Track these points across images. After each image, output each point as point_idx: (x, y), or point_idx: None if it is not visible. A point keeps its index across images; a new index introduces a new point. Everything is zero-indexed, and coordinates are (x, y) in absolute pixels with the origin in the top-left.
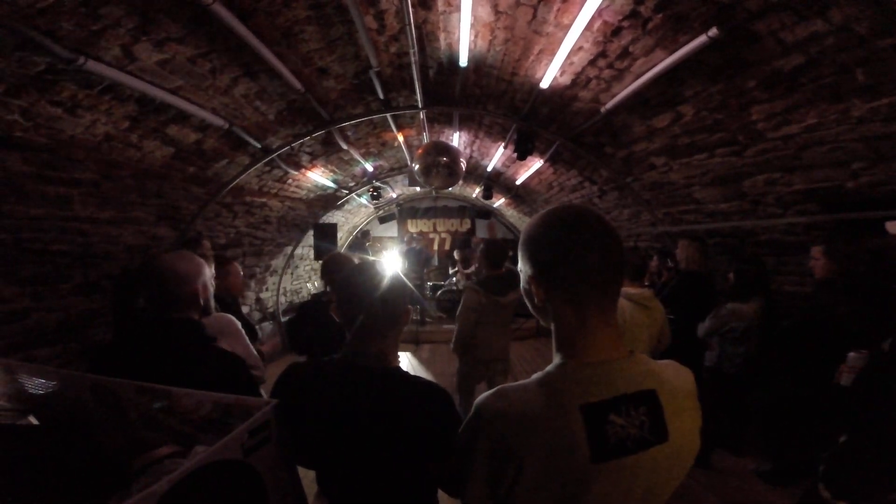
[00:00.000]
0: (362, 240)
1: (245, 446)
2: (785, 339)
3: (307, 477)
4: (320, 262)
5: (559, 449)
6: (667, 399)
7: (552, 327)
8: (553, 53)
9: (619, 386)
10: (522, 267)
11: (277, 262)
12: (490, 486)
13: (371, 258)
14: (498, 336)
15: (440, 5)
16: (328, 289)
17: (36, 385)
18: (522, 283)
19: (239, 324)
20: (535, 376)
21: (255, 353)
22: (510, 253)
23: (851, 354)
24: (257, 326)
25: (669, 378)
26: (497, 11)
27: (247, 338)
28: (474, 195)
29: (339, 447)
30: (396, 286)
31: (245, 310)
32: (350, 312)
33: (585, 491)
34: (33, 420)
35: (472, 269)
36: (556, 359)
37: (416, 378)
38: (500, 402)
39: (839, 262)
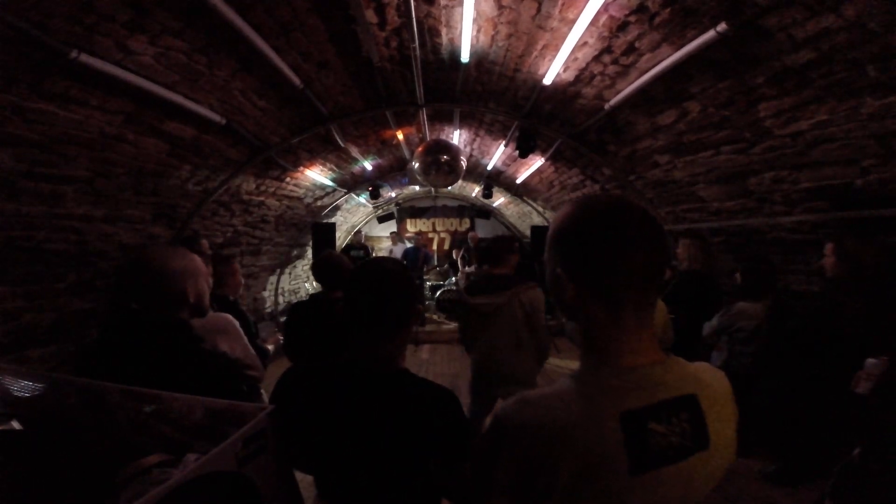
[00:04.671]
0: (356, 238)
1: (239, 456)
2: (793, 338)
3: (304, 481)
4: None
5: (595, 461)
6: (707, 404)
7: (582, 327)
8: (557, 49)
9: (659, 391)
10: (550, 260)
11: (275, 262)
12: (513, 501)
13: (375, 257)
14: (503, 352)
15: None
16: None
17: (20, 388)
18: (549, 278)
19: (237, 323)
20: (562, 382)
21: (254, 353)
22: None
23: (870, 361)
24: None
25: (708, 381)
26: (500, 6)
27: (245, 338)
28: (474, 194)
29: (345, 452)
30: (404, 284)
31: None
32: (356, 313)
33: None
34: (16, 425)
35: (473, 267)
36: (587, 362)
37: (425, 381)
38: (526, 412)
39: (848, 259)
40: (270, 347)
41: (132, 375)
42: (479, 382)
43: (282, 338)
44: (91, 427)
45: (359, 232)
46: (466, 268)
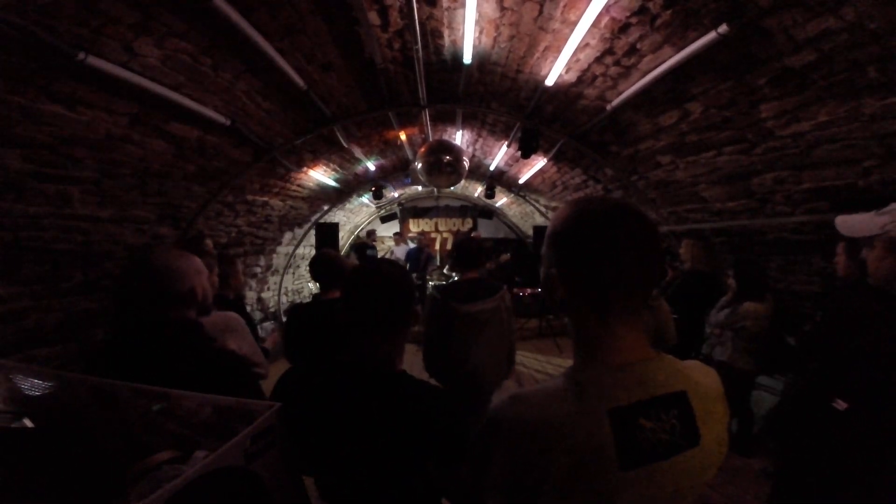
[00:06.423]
0: (366, 239)
1: (248, 452)
2: (807, 339)
3: (306, 480)
4: None
5: (585, 457)
6: (697, 401)
7: (572, 325)
8: (559, 50)
9: (649, 388)
10: (544, 259)
11: (279, 262)
12: (508, 498)
13: (378, 257)
14: (475, 357)
15: (445, 1)
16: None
17: (32, 386)
18: (542, 274)
19: (244, 321)
20: (555, 379)
21: (260, 350)
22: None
23: None
24: (259, 326)
25: (699, 379)
26: (502, 8)
27: (251, 336)
28: (476, 194)
29: (344, 453)
30: (403, 286)
31: (247, 309)
32: (354, 315)
33: (613, 500)
34: (28, 423)
35: None
36: (578, 360)
37: (423, 383)
38: (518, 408)
39: (857, 259)
40: (269, 347)
41: (144, 375)
42: (469, 389)
43: (278, 335)
44: (101, 425)
45: (373, 231)
46: (453, 272)
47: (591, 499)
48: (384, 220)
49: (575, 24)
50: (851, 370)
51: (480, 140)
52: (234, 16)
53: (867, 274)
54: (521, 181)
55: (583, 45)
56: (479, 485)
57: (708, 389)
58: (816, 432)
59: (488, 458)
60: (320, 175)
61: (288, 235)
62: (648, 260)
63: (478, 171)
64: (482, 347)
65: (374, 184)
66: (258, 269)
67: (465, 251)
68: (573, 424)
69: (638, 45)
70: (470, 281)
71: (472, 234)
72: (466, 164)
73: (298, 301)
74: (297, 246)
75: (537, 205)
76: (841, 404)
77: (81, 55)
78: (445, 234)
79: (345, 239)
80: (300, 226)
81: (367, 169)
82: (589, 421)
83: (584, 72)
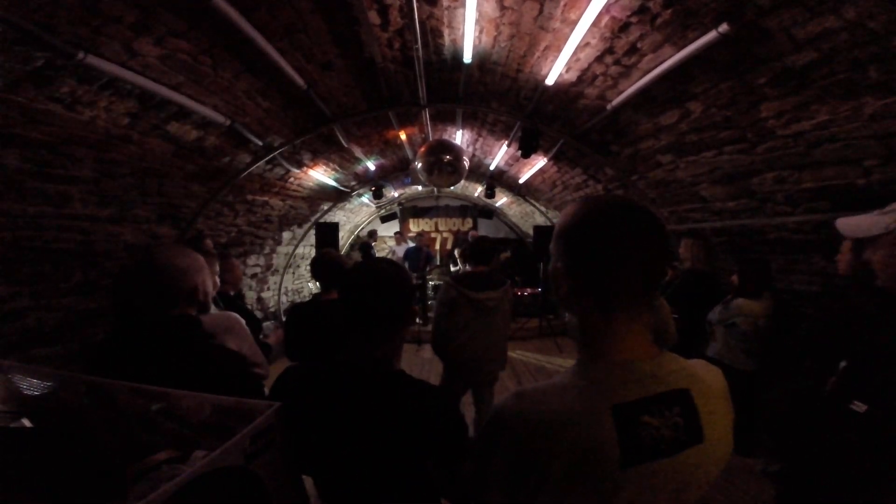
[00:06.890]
0: (368, 239)
1: (247, 452)
2: (807, 338)
3: (306, 480)
4: None
5: (588, 453)
6: (700, 398)
7: (577, 321)
8: (559, 50)
9: (652, 385)
10: (552, 252)
11: (279, 261)
12: (509, 495)
13: (378, 257)
14: (481, 339)
15: (445, 0)
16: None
17: (30, 386)
18: (549, 271)
19: (244, 322)
20: (559, 376)
21: (260, 350)
22: (504, 253)
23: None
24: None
25: (702, 377)
26: (503, 7)
27: (251, 336)
28: (476, 194)
29: (342, 453)
30: (400, 285)
31: (248, 307)
32: (353, 313)
33: (615, 497)
34: (27, 423)
35: None
36: (583, 356)
37: (421, 382)
38: (522, 405)
39: (862, 259)
40: (272, 342)
41: (145, 373)
42: (456, 371)
43: (282, 332)
44: (101, 424)
45: (374, 231)
46: (467, 266)
47: (593, 495)
48: (384, 219)
49: (575, 23)
50: (870, 372)
51: (480, 140)
52: (234, 15)
53: (872, 275)
54: (521, 181)
55: (583, 45)
56: (480, 482)
57: (711, 387)
58: (831, 434)
59: (491, 453)
60: (320, 175)
61: (288, 235)
62: (653, 259)
63: (478, 171)
64: (487, 331)
65: (374, 183)
66: (258, 269)
67: (479, 248)
68: (575, 420)
69: (638, 45)
70: (480, 273)
71: (471, 234)
72: (466, 163)
73: (298, 301)
74: (297, 246)
75: (537, 204)
76: (860, 406)
77: (81, 54)
78: (445, 234)
79: (345, 239)
80: (300, 225)
81: (366, 168)
82: (592, 417)
83: (585, 71)
